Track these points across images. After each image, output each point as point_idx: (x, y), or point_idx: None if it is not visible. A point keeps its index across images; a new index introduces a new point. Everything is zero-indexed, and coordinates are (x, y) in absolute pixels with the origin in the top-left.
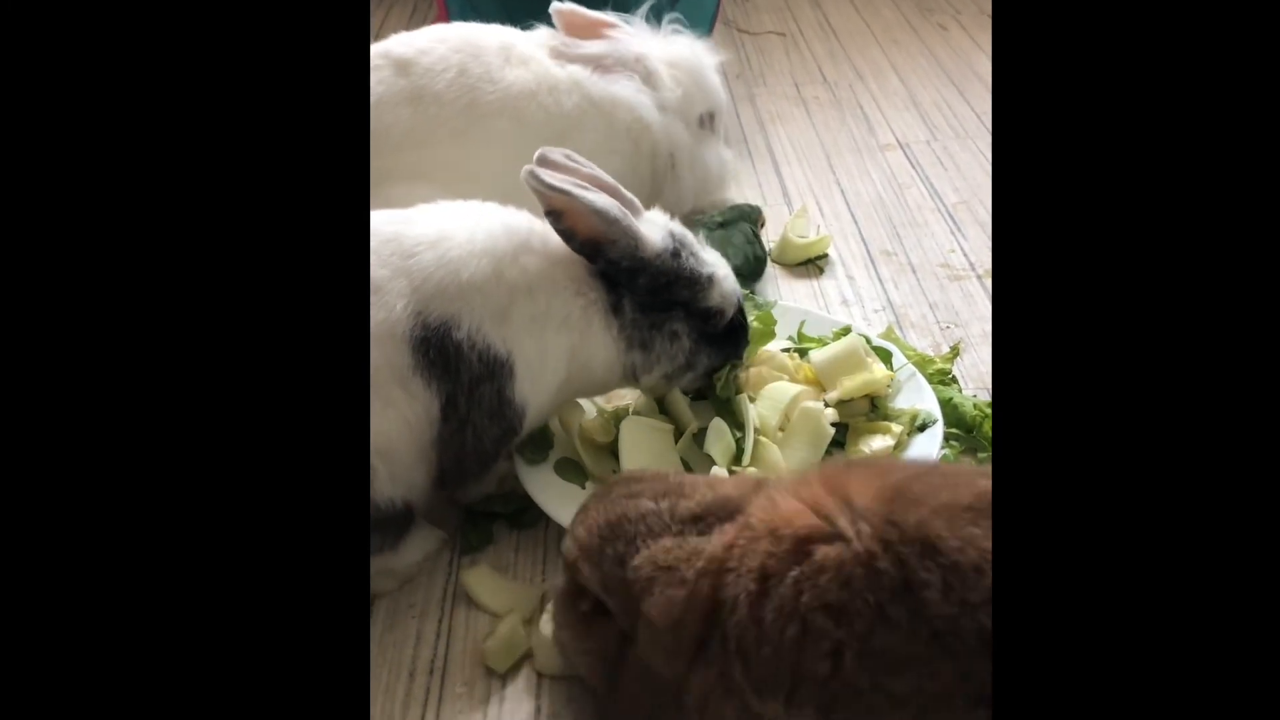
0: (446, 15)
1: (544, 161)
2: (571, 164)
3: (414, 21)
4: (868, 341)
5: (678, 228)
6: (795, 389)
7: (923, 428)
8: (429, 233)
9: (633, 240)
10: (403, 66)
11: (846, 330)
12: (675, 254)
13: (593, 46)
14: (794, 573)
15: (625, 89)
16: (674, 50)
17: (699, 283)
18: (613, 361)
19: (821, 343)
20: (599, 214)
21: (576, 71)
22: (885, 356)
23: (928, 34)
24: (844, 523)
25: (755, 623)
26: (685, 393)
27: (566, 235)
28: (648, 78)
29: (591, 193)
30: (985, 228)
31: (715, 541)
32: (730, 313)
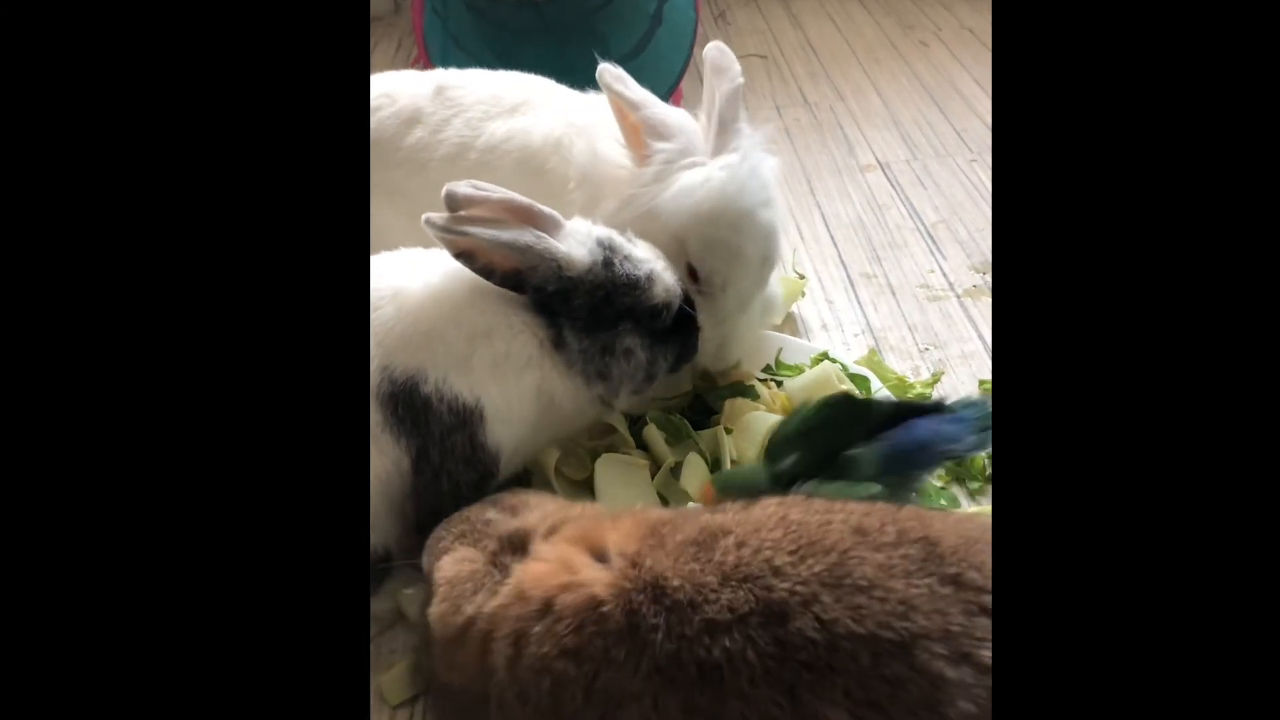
0: (426, 57)
1: (451, 199)
2: (479, 193)
3: (399, 56)
4: (844, 369)
5: (603, 232)
6: (771, 419)
7: None
8: (388, 285)
9: (554, 262)
10: (439, 90)
11: (824, 356)
12: (607, 263)
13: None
14: (538, 628)
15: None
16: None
17: (639, 285)
18: (577, 396)
19: (798, 370)
20: (507, 246)
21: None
22: (862, 383)
23: (909, 51)
24: (589, 572)
25: (515, 681)
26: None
27: (486, 273)
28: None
29: (494, 228)
30: (964, 246)
31: (492, 602)
32: (676, 303)
